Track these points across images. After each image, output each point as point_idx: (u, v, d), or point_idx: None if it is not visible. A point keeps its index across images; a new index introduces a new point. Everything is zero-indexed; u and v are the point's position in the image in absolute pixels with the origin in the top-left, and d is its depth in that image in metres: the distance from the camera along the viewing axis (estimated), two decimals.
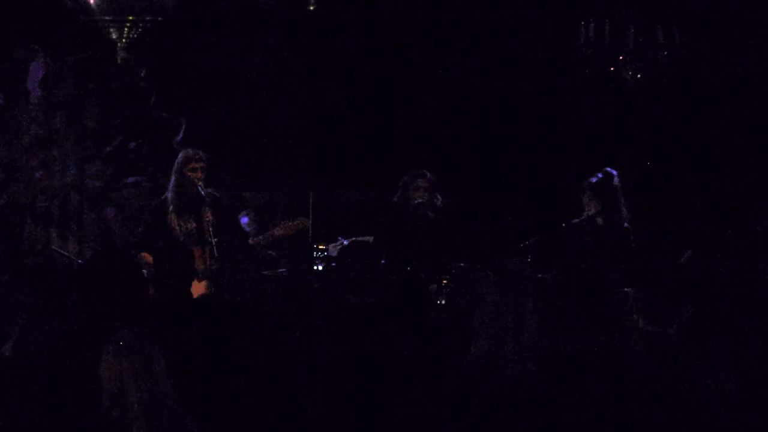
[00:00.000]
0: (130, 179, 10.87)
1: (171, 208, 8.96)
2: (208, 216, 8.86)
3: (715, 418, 5.20)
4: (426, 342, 6.10)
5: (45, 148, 10.72)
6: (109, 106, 10.89)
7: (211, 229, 8.79)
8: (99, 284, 5.84)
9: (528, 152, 11.90)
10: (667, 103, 11.65)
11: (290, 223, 10.00)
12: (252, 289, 9.45)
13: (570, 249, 9.03)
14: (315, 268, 9.83)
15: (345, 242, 9.57)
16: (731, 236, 10.65)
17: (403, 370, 5.68)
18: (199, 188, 8.89)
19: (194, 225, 8.90)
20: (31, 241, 10.60)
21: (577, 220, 9.05)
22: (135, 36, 7.84)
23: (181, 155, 9.07)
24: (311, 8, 9.67)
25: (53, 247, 10.33)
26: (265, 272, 9.86)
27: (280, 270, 9.88)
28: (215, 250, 8.81)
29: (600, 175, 9.03)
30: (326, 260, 9.82)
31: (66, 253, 10.09)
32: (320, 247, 9.99)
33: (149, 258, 8.95)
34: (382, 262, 8.72)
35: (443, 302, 8.57)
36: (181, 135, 11.01)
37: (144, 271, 8.40)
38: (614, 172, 9.02)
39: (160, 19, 7.90)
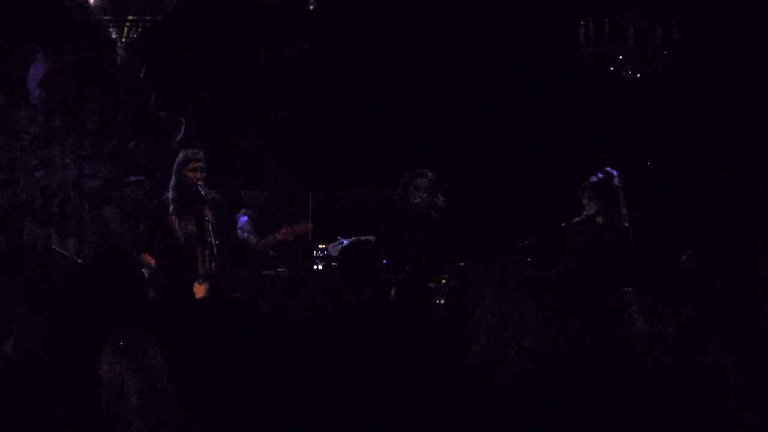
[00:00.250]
0: (130, 179, 10.88)
1: (172, 208, 8.96)
2: (208, 216, 8.86)
3: (715, 418, 5.20)
4: (426, 342, 6.10)
5: (45, 148, 10.73)
6: (109, 106, 10.90)
7: (211, 229, 8.80)
8: (99, 284, 5.84)
9: (528, 152, 11.90)
10: (667, 103, 11.65)
11: (292, 228, 10.02)
12: (252, 289, 9.46)
13: (570, 249, 9.03)
14: (315, 267, 9.84)
15: (345, 242, 9.57)
16: (731, 236, 10.66)
17: (403, 370, 5.68)
18: (199, 188, 8.89)
19: (194, 227, 8.90)
20: (31, 241, 10.60)
21: (577, 219, 9.05)
22: (135, 36, 7.83)
23: (180, 156, 9.08)
24: (311, 8, 9.67)
25: (53, 247, 10.33)
26: (265, 272, 9.87)
27: (280, 270, 9.88)
28: (215, 251, 8.81)
29: (600, 175, 9.02)
30: (326, 260, 9.82)
31: (66, 253, 10.09)
32: (320, 246, 9.99)
33: (150, 260, 8.96)
34: (384, 262, 8.71)
35: (443, 302, 8.56)
36: (181, 135, 11.01)
37: (145, 271, 8.40)
38: (614, 172, 9.02)
39: (160, 19, 7.89)
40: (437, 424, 5.37)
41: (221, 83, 11.53)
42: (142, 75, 10.91)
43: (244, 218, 10.48)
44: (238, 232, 10.22)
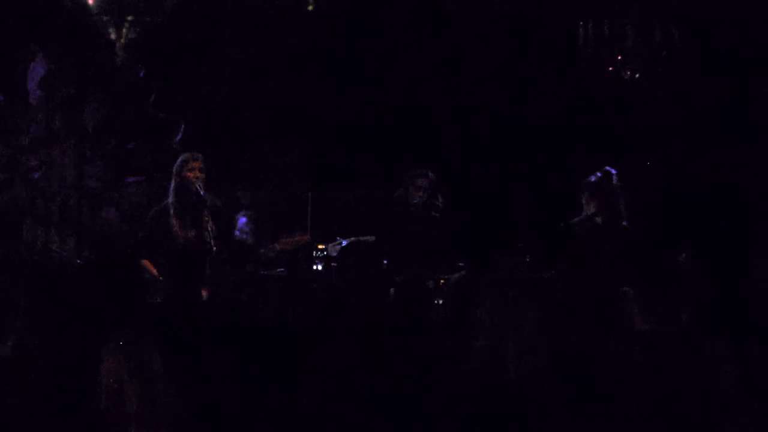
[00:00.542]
0: (130, 179, 10.88)
1: (172, 212, 8.96)
2: (208, 219, 8.86)
3: (715, 418, 5.20)
4: (426, 342, 6.10)
5: (45, 148, 10.73)
6: (109, 106, 10.90)
7: (211, 232, 8.80)
8: (99, 284, 5.85)
9: (528, 152, 11.90)
10: (667, 103, 11.65)
11: (292, 238, 10.02)
12: (252, 289, 9.46)
13: (569, 248, 9.03)
14: (315, 268, 9.84)
15: (344, 242, 9.57)
16: (730, 235, 10.66)
17: (403, 370, 5.69)
18: (198, 188, 8.90)
19: (194, 232, 8.91)
20: (31, 241, 10.61)
21: (576, 219, 9.05)
22: (135, 36, 7.83)
23: (179, 158, 9.09)
24: (311, 8, 9.67)
25: (53, 247, 10.33)
26: (265, 272, 9.87)
27: (280, 270, 9.88)
28: (214, 254, 8.82)
29: (599, 175, 9.03)
30: (326, 260, 9.82)
31: (66, 253, 10.09)
32: (320, 247, 9.99)
33: (151, 267, 8.95)
34: (384, 262, 8.72)
35: (442, 302, 8.56)
36: (180, 135, 11.01)
37: (146, 276, 8.41)
38: (613, 172, 9.02)
39: (160, 19, 7.89)
40: (437, 423, 5.38)
41: (220, 83, 11.53)
42: (142, 75, 10.92)
43: (244, 219, 10.47)
44: (238, 233, 10.22)
